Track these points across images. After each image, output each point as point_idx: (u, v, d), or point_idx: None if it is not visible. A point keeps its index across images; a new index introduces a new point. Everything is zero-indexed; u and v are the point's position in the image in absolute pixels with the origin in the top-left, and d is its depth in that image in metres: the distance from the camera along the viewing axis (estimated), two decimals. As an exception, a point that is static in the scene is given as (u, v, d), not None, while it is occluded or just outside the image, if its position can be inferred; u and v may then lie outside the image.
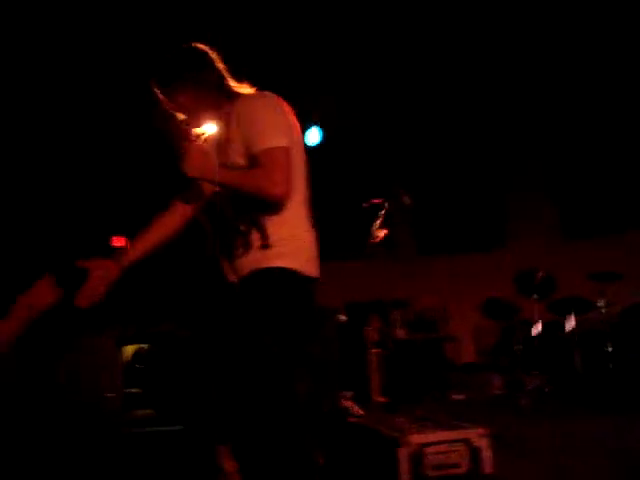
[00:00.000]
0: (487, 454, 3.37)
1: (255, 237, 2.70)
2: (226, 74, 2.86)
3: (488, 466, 3.36)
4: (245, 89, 2.86)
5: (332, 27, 8.28)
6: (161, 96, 2.82)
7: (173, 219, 2.96)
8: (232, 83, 2.86)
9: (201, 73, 2.80)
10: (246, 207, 2.72)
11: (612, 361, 7.25)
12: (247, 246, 2.72)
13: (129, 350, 7.17)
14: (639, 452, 4.47)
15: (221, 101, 2.81)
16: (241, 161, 2.70)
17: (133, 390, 6.88)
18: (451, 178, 9.83)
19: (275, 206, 2.67)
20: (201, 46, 2.85)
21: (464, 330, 8.85)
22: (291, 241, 2.70)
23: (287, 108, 2.79)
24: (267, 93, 2.79)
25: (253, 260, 2.70)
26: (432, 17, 8.39)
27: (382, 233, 4.82)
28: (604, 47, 8.61)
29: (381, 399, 7.56)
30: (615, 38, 8.46)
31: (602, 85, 9.11)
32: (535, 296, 7.87)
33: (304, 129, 6.87)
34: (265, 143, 2.61)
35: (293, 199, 2.71)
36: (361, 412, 5.65)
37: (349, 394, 6.82)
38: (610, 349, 7.27)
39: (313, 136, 7.92)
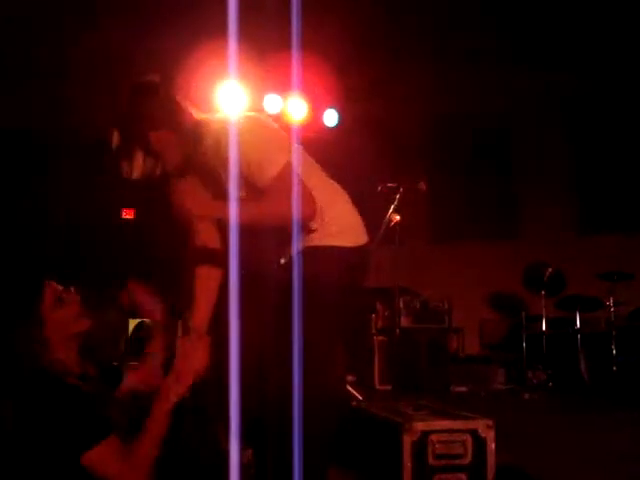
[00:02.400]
0: (492, 446, 3.31)
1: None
2: (186, 103, 2.71)
3: (492, 458, 3.30)
4: (210, 115, 2.80)
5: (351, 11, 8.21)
6: (120, 144, 2.64)
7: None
8: (193, 111, 2.73)
9: (160, 113, 2.63)
10: None
11: (615, 363, 7.20)
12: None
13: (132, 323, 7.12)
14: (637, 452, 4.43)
15: (186, 135, 2.68)
16: (241, 192, 2.68)
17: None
18: (466, 165, 9.70)
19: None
20: (156, 80, 2.66)
21: (470, 322, 8.78)
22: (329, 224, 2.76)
23: (267, 123, 2.77)
24: (249, 118, 2.74)
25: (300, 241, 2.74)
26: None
27: (396, 218, 4.77)
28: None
29: (383, 387, 7.53)
30: None
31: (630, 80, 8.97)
32: (543, 292, 7.82)
33: (321, 110, 6.78)
34: (271, 170, 2.60)
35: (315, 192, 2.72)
36: (360, 398, 5.61)
37: (351, 379, 6.79)
38: (614, 351, 7.22)
39: (330, 118, 7.85)
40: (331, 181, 2.91)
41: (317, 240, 2.75)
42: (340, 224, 2.80)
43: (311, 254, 2.74)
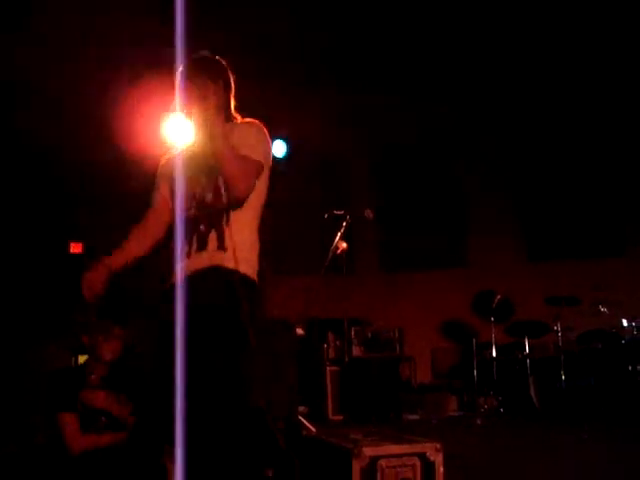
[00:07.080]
0: (441, 469, 3.31)
1: (212, 238, 2.82)
2: (232, 101, 3.08)
3: (442, 481, 3.30)
4: (238, 118, 3.05)
5: (302, 45, 8.31)
6: (189, 83, 2.93)
7: (151, 229, 3.07)
8: (232, 110, 3.07)
9: (229, 90, 3.05)
10: (208, 208, 2.85)
11: (565, 387, 7.27)
12: (204, 246, 2.82)
13: (82, 359, 6.99)
14: (590, 474, 4.48)
15: (220, 118, 2.94)
16: None
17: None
18: (415, 194, 9.82)
19: (235, 212, 2.83)
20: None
21: (421, 350, 8.82)
22: (244, 248, 2.82)
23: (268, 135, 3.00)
24: (257, 122, 3.00)
25: (207, 258, 2.80)
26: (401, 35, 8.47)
27: (343, 245, 4.77)
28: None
29: (336, 417, 7.49)
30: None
31: (577, 109, 9.22)
32: (493, 318, 7.89)
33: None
34: (252, 153, 2.82)
35: (252, 209, 2.89)
36: (313, 429, 5.56)
37: (304, 410, 6.74)
38: (563, 375, 7.28)
39: (277, 149, 7.85)
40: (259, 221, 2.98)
41: (224, 260, 2.79)
42: (250, 254, 2.88)
43: (220, 274, 2.77)
